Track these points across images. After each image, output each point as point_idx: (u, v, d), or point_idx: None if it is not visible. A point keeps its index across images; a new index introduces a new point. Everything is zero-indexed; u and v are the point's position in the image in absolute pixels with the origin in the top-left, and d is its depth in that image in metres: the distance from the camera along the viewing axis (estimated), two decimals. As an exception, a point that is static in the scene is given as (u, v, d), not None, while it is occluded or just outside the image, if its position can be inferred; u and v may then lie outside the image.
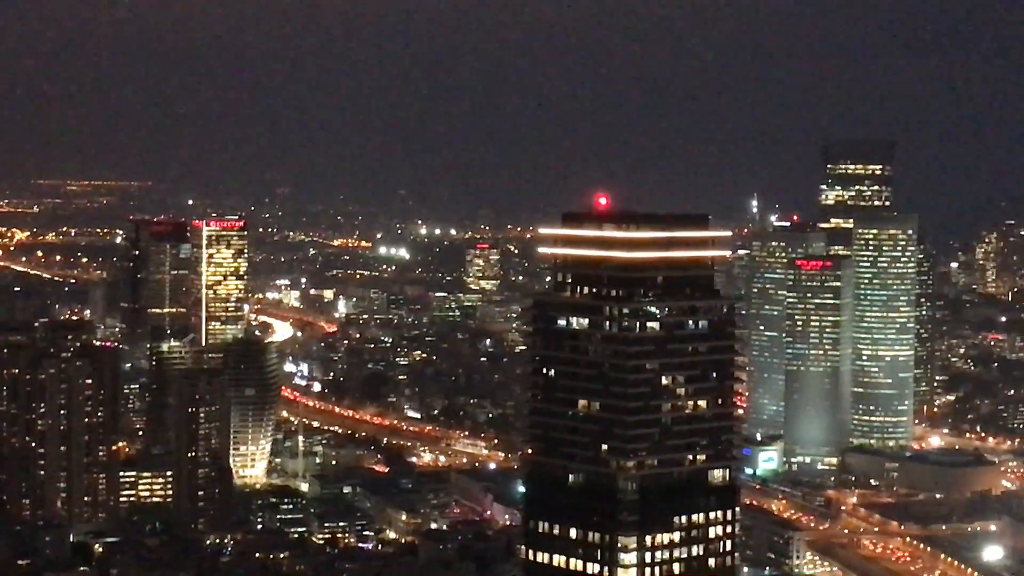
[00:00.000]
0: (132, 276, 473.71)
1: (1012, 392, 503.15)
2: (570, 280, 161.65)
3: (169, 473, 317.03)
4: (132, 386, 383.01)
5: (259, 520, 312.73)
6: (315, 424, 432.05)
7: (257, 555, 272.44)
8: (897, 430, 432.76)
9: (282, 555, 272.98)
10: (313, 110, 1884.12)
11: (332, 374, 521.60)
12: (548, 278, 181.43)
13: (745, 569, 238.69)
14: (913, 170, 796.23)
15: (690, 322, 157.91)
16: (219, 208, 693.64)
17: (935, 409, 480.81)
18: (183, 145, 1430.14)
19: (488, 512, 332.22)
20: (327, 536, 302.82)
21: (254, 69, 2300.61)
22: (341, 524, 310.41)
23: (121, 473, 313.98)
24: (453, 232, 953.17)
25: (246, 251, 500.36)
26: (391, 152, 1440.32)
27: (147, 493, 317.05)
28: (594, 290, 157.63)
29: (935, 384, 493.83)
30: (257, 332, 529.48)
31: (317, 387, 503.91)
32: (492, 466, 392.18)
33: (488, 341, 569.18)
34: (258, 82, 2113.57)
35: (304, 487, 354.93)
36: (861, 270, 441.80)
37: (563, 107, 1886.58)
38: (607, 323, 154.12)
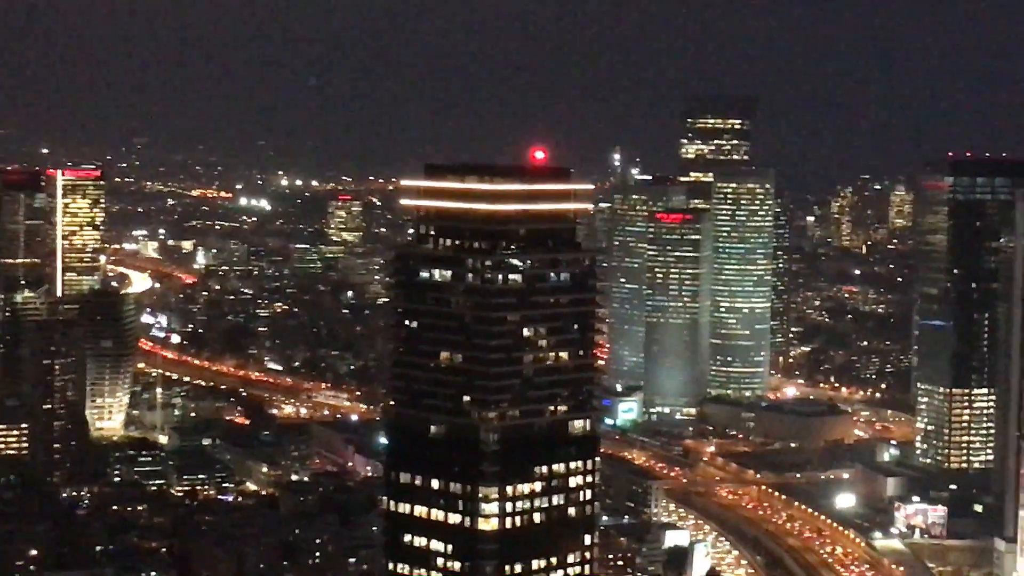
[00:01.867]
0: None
1: (865, 343, 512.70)
2: (432, 232, 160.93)
3: (24, 425, 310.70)
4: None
5: (116, 473, 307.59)
6: (174, 376, 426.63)
7: (114, 508, 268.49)
8: (754, 381, 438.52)
9: (140, 508, 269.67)
10: (172, 59, 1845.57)
11: (191, 326, 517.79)
12: (411, 230, 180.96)
13: (605, 518, 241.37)
14: (772, 125, 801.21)
15: (552, 274, 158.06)
16: (75, 157, 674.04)
17: (790, 360, 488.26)
18: (37, 91, 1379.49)
19: (350, 464, 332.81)
20: (186, 489, 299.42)
21: (113, 14, 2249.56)
22: (200, 477, 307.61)
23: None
24: (315, 183, 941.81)
25: (103, 201, 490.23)
26: (252, 102, 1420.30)
27: (2, 446, 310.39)
28: (456, 242, 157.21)
29: (791, 336, 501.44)
30: (114, 283, 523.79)
31: (176, 339, 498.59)
32: (354, 418, 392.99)
33: (350, 293, 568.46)
34: (116, 28, 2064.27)
35: (163, 439, 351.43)
36: (720, 223, 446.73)
37: (426, 59, 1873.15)
38: (469, 275, 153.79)
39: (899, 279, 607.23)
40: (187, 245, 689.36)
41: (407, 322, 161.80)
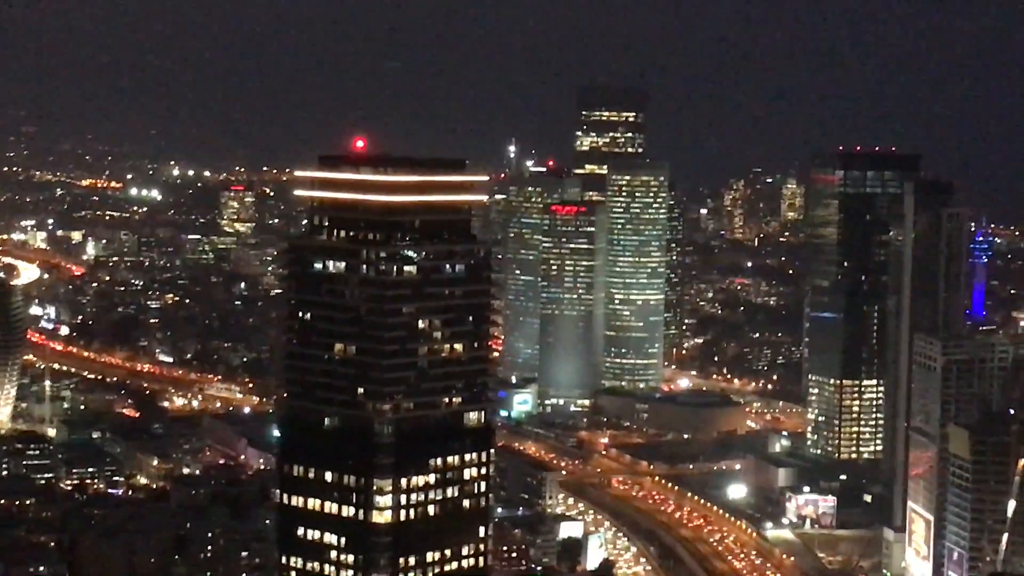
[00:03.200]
0: None
1: (757, 335, 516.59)
2: (327, 223, 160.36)
3: None
4: None
5: (4, 466, 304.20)
6: (63, 368, 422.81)
7: (2, 501, 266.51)
8: (647, 372, 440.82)
9: (28, 502, 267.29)
10: (62, 45, 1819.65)
11: (80, 317, 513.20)
12: (304, 221, 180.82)
13: (499, 510, 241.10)
14: (664, 118, 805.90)
15: (447, 266, 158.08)
16: None
17: (684, 352, 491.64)
18: None
19: (242, 457, 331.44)
20: (75, 482, 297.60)
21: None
22: (90, 470, 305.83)
23: None
24: (207, 173, 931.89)
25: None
26: (143, 91, 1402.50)
27: None
28: (351, 233, 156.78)
29: (684, 327, 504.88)
30: (1, 274, 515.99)
31: (65, 331, 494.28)
32: (246, 410, 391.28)
33: (243, 284, 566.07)
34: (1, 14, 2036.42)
35: (51, 432, 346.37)
36: (614, 216, 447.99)
37: (319, 49, 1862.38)
38: (364, 267, 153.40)
39: (791, 271, 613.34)
40: (76, 235, 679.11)
41: (301, 314, 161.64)
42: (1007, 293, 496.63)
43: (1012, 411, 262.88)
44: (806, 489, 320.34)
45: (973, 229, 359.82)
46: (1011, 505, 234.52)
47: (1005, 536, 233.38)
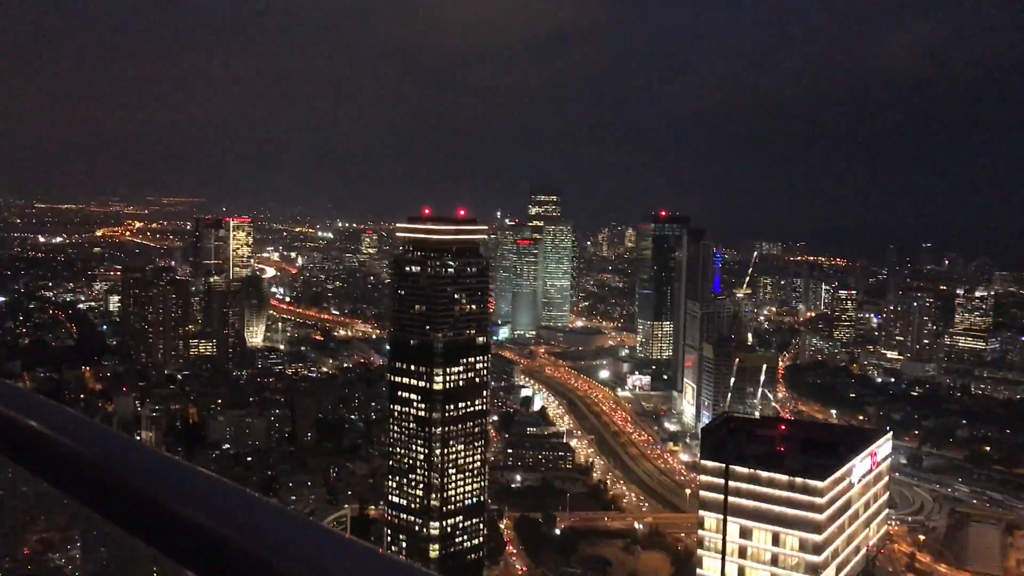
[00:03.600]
0: None
1: (614, 301, 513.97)
2: (411, 248, 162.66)
3: (215, 341, 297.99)
4: None
5: (258, 362, 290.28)
6: (286, 318, 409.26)
7: (259, 380, 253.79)
8: (562, 318, 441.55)
9: (269, 379, 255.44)
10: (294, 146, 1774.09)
11: (295, 293, 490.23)
12: (400, 247, 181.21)
13: (492, 383, 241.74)
14: (571, 199, 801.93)
15: (468, 269, 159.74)
16: (238, 210, 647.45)
17: (578, 308, 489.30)
18: (217, 180, 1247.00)
19: (372, 359, 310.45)
20: (293, 369, 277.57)
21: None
22: (299, 364, 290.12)
23: None
24: (354, 224, 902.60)
25: (251, 234, 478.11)
26: (318, 171, 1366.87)
27: (203, 352, 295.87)
28: (421, 253, 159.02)
29: (580, 297, 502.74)
30: (257, 272, 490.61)
31: (288, 300, 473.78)
32: (374, 336, 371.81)
33: (371, 278, 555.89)
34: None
35: (281, 347, 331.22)
36: (547, 246, 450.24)
37: (399, 151, 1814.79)
38: (429, 269, 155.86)
39: (630, 271, 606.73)
40: (293, 255, 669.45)
41: (399, 291, 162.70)
42: (731, 281, 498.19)
43: (732, 336, 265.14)
44: (636, 373, 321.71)
45: (714, 251, 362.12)
46: (732, 381, 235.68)
47: (728, 395, 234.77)
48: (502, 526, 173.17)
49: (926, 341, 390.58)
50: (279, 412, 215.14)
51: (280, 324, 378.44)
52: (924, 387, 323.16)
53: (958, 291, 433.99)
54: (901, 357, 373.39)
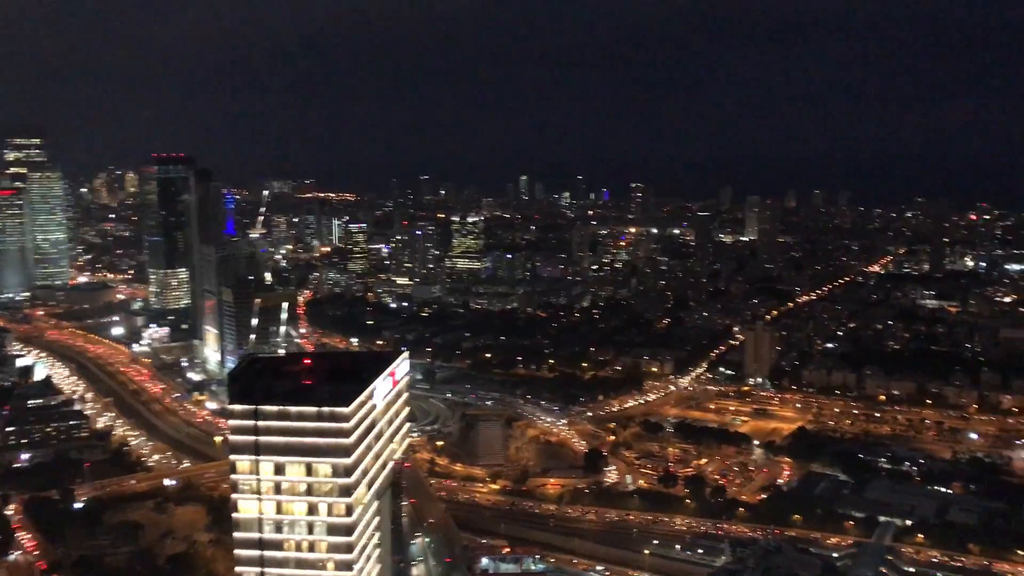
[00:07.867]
0: None
1: (120, 251, 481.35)
2: None
3: None
4: None
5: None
6: None
7: None
8: (59, 275, 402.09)
9: None
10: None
11: None
12: None
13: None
14: (55, 141, 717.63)
15: None
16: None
17: (78, 263, 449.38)
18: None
19: None
20: None
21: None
22: None
23: None
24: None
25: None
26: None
27: None
28: None
29: (79, 250, 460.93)
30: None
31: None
32: None
33: None
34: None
35: None
36: (31, 196, 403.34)
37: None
38: None
39: (136, 218, 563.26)
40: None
41: None
42: (244, 222, 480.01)
43: (251, 277, 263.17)
44: (153, 325, 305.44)
45: (225, 192, 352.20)
46: (254, 322, 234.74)
47: (252, 336, 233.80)
48: (9, 512, 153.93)
49: (431, 265, 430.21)
50: None
51: None
52: (432, 307, 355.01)
53: (454, 218, 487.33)
54: (411, 282, 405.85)
